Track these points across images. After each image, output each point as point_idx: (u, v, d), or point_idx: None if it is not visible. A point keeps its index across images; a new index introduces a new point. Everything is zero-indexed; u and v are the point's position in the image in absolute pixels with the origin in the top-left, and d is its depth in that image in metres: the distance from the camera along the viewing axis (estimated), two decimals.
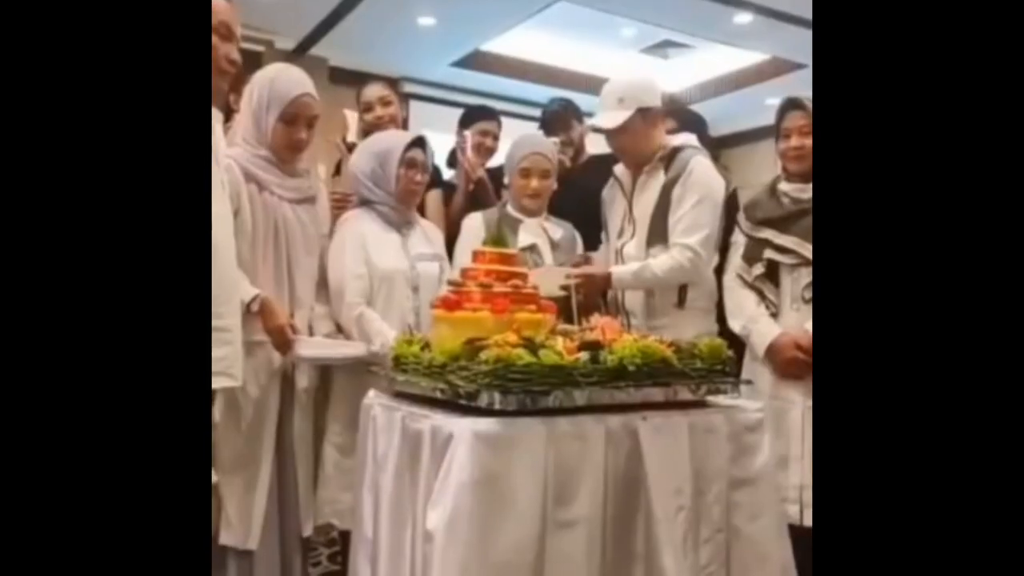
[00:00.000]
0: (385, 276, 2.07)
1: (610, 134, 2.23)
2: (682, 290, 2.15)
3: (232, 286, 1.67)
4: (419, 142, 2.17)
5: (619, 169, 2.33)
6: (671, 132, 2.46)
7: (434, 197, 2.55)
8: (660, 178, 2.17)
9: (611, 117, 2.18)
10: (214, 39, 1.57)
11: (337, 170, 2.53)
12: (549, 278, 1.84)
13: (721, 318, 2.24)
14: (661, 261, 2.08)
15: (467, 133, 2.69)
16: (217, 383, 1.59)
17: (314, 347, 1.93)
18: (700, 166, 2.14)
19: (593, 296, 2.17)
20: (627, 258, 2.21)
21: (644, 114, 2.18)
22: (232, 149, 1.89)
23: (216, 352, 1.56)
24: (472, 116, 2.85)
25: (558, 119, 2.83)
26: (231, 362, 1.62)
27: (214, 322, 1.55)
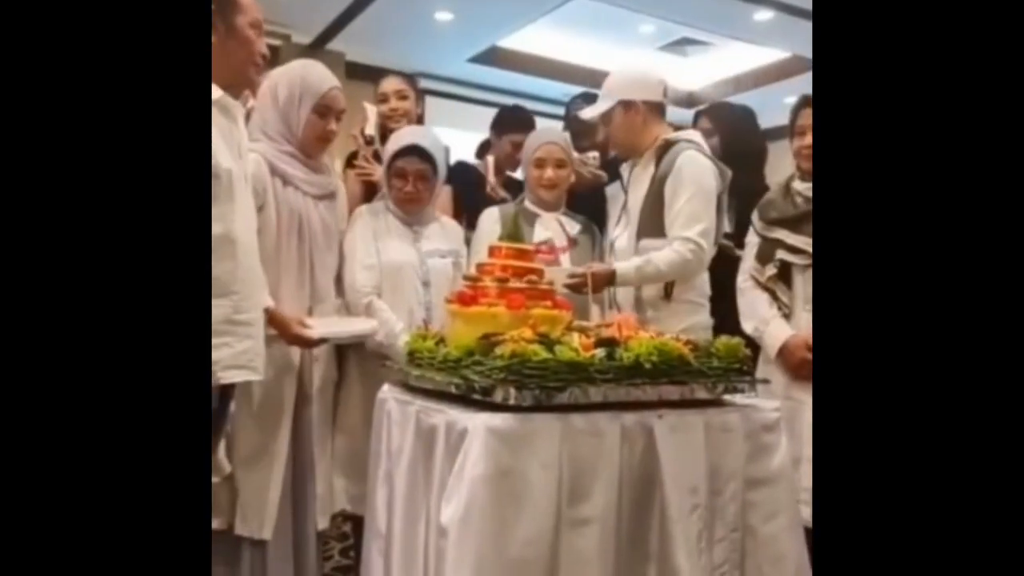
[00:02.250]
0: (393, 268, 2.08)
1: (602, 123, 2.30)
2: (668, 283, 2.13)
3: (255, 281, 1.68)
4: (412, 150, 2.10)
5: (624, 164, 2.33)
6: (706, 133, 2.46)
7: (443, 196, 2.51)
8: (649, 172, 2.17)
9: (593, 109, 2.28)
10: (252, 34, 1.60)
11: (350, 163, 2.54)
12: (552, 278, 1.84)
13: (735, 318, 2.23)
14: (664, 255, 2.06)
15: (489, 158, 2.67)
16: (240, 376, 1.60)
17: (324, 326, 1.94)
18: (689, 161, 2.12)
19: (598, 292, 2.17)
20: (617, 251, 2.20)
21: (626, 107, 2.19)
22: (256, 144, 1.89)
23: (239, 346, 1.57)
24: (506, 122, 2.76)
25: (581, 124, 2.71)
26: (253, 356, 1.62)
27: (238, 316, 1.57)
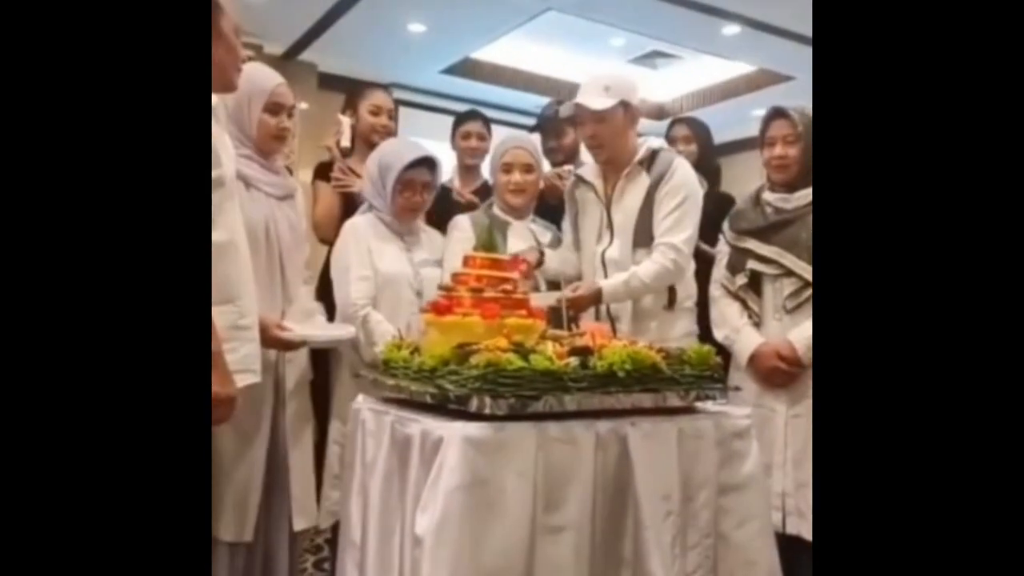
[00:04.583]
0: (389, 280, 2.08)
1: (589, 121, 2.17)
2: (671, 291, 2.16)
3: (250, 286, 1.68)
4: (423, 161, 2.13)
5: (587, 172, 2.29)
6: (684, 140, 2.53)
7: None
8: (642, 181, 2.17)
9: (597, 100, 2.14)
10: (235, 39, 1.62)
11: (322, 174, 2.53)
12: (540, 302, 1.85)
13: (706, 326, 2.26)
14: (646, 268, 2.08)
15: (456, 160, 2.72)
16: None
17: (303, 329, 1.93)
18: (683, 167, 2.17)
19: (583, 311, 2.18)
20: (609, 263, 2.19)
21: (626, 109, 2.17)
22: None
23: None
24: (458, 121, 2.90)
25: (552, 123, 2.77)
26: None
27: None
